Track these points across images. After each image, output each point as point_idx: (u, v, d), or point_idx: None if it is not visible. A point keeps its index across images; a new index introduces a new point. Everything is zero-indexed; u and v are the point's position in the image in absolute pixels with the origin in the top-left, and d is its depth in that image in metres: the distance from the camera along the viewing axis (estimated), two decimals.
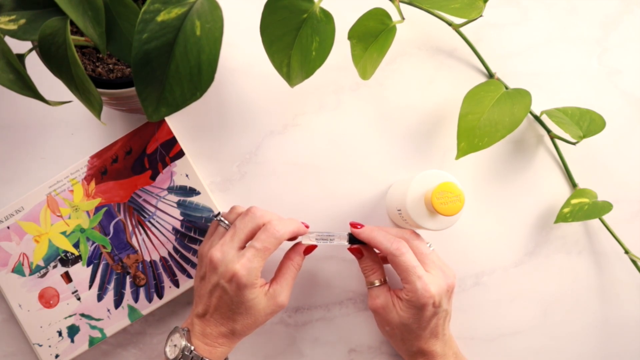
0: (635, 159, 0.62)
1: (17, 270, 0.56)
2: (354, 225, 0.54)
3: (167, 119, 0.58)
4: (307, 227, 0.53)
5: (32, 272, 0.56)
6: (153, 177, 0.58)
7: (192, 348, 0.49)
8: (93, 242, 0.57)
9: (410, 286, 0.50)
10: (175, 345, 0.49)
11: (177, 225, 0.58)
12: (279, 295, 0.51)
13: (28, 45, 0.54)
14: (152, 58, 0.36)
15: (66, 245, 0.57)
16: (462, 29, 0.59)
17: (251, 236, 0.50)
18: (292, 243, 0.54)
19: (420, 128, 0.61)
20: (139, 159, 0.58)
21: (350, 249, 0.55)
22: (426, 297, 0.49)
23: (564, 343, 0.61)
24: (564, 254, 0.61)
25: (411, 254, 0.51)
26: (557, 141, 0.61)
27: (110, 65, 0.48)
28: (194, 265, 0.58)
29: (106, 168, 0.57)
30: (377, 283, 0.54)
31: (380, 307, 0.53)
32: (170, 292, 0.57)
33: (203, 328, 0.50)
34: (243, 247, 0.50)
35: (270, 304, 0.50)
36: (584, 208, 0.58)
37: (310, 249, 0.54)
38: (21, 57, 0.40)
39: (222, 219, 0.53)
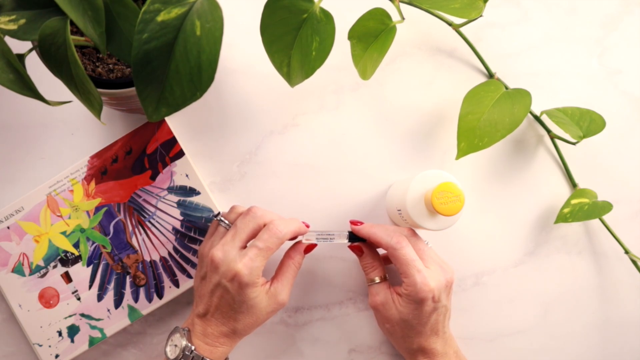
0: (635, 159, 0.62)
1: (17, 270, 0.56)
2: (354, 222, 0.55)
3: (167, 119, 0.58)
4: (307, 226, 0.53)
5: (32, 272, 0.56)
6: (153, 177, 0.58)
7: (193, 348, 0.49)
8: (93, 242, 0.57)
9: (409, 280, 0.50)
10: (175, 345, 0.49)
11: (177, 225, 0.58)
12: (279, 294, 0.51)
13: (28, 45, 0.54)
14: (152, 58, 0.36)
15: (66, 245, 0.57)
16: (462, 29, 0.59)
17: (252, 236, 0.50)
18: (291, 242, 0.54)
19: (420, 128, 0.61)
20: (139, 159, 0.58)
21: (350, 247, 0.55)
22: (425, 291, 0.49)
23: (564, 343, 0.61)
24: (564, 254, 0.61)
25: (411, 248, 0.51)
26: (557, 141, 0.61)
27: (110, 65, 0.48)
28: (194, 265, 0.58)
29: (106, 168, 0.57)
30: (377, 280, 0.54)
31: (380, 304, 0.53)
32: (170, 292, 0.57)
33: (204, 328, 0.50)
34: (244, 247, 0.50)
35: (271, 302, 0.50)
36: (584, 208, 0.58)
37: (310, 247, 0.54)
38: (21, 57, 0.40)
39: (223, 218, 0.53)
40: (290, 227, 0.50)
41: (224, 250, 0.49)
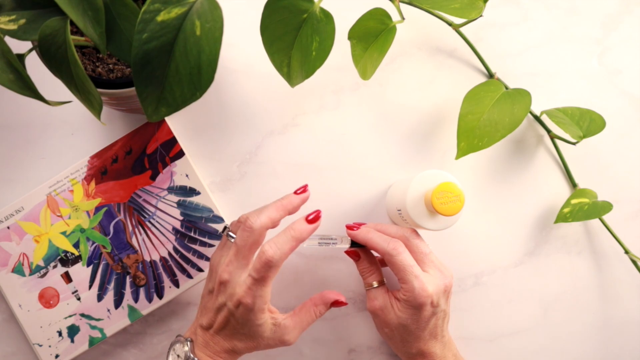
0: (635, 159, 0.62)
1: (17, 270, 0.56)
2: (350, 227, 0.54)
3: (167, 119, 0.58)
4: (318, 217, 0.49)
5: (32, 272, 0.56)
6: (153, 177, 0.58)
7: (195, 359, 0.48)
8: (93, 242, 0.57)
9: (407, 286, 0.50)
10: (178, 356, 0.49)
11: (177, 225, 0.58)
12: (287, 334, 0.49)
13: (28, 45, 0.54)
14: (152, 58, 0.36)
15: (66, 245, 0.57)
16: (462, 29, 0.59)
17: (255, 249, 0.48)
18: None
19: (420, 128, 0.61)
20: (139, 159, 0.58)
21: (347, 252, 0.55)
22: (423, 296, 0.49)
23: (564, 343, 0.61)
24: (564, 254, 0.61)
25: (408, 254, 0.51)
26: (557, 141, 0.61)
27: (110, 65, 0.48)
28: (194, 265, 0.58)
29: (106, 168, 0.57)
30: (375, 284, 0.54)
31: (378, 309, 0.53)
32: (170, 292, 0.57)
33: (206, 340, 0.49)
34: (249, 263, 0.48)
35: (275, 337, 0.49)
36: (584, 208, 0.58)
37: (339, 304, 0.52)
38: (21, 57, 0.40)
39: (230, 233, 0.51)
40: (284, 248, 0.47)
41: (229, 272, 0.48)
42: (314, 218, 0.49)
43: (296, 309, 0.51)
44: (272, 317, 0.49)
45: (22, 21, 0.38)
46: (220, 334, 0.49)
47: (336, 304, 0.52)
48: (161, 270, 0.57)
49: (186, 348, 0.49)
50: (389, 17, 0.53)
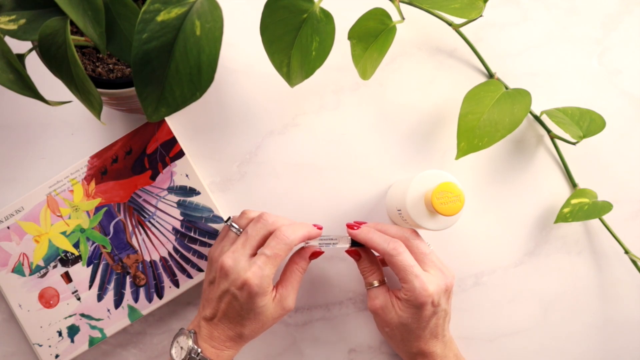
0: (635, 159, 0.62)
1: (17, 270, 0.56)
2: (350, 226, 0.54)
3: (167, 119, 0.58)
4: (320, 228, 0.53)
5: (32, 272, 0.56)
6: (153, 177, 0.58)
7: (199, 351, 0.48)
8: (93, 242, 0.57)
9: (408, 285, 0.50)
10: (181, 348, 0.49)
11: (177, 225, 0.58)
12: (285, 300, 0.51)
13: (28, 45, 0.54)
14: (152, 58, 0.36)
15: (66, 245, 0.57)
16: (462, 29, 0.59)
17: (263, 243, 0.50)
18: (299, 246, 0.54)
19: (420, 128, 0.61)
20: (139, 159, 0.58)
21: (347, 252, 0.55)
22: (424, 295, 0.49)
23: (564, 343, 0.61)
24: (564, 254, 0.61)
25: (408, 254, 0.51)
26: (557, 141, 0.61)
27: (110, 65, 0.48)
28: (194, 265, 0.58)
29: (106, 168, 0.57)
30: (375, 284, 0.54)
31: (379, 308, 0.53)
32: (170, 292, 0.57)
33: (210, 331, 0.50)
34: (255, 254, 0.50)
35: (277, 308, 0.50)
36: (584, 208, 0.58)
37: (316, 254, 0.54)
38: (21, 57, 0.40)
39: (233, 224, 0.53)
40: (298, 233, 0.50)
41: (234, 258, 0.49)
42: (319, 227, 0.53)
43: (282, 276, 0.53)
44: (270, 294, 0.50)
45: (22, 21, 0.38)
46: (223, 321, 0.50)
47: (314, 255, 0.54)
48: (161, 270, 0.57)
49: (190, 340, 0.49)
50: (389, 17, 0.53)
